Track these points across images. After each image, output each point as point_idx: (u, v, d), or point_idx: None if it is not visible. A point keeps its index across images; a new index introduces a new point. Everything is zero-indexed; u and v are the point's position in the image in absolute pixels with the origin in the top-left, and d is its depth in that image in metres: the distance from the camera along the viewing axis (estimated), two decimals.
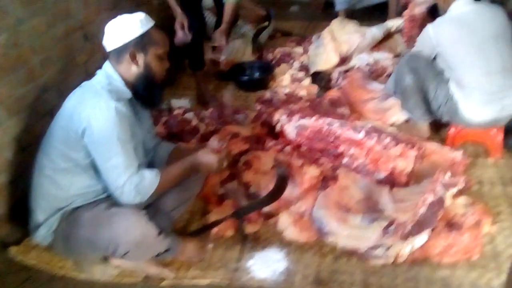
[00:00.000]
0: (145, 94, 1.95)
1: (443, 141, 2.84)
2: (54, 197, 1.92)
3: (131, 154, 1.86)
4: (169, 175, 1.96)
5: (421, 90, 2.73)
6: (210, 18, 3.83)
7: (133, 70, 1.90)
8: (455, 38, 2.56)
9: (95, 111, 1.78)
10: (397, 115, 2.98)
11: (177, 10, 3.16)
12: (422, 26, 3.36)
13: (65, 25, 2.54)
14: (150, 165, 2.16)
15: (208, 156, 2.03)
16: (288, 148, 2.71)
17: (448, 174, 2.26)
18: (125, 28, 1.85)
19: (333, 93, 3.29)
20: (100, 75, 1.91)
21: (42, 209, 1.94)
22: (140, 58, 1.89)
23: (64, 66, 2.53)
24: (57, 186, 1.91)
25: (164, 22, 3.59)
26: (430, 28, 2.63)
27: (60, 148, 1.87)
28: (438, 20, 2.64)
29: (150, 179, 1.88)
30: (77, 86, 1.94)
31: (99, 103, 1.79)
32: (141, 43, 1.88)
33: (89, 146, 1.82)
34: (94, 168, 1.89)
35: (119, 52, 1.88)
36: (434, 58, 2.72)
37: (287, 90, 3.44)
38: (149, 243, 1.89)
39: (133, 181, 1.83)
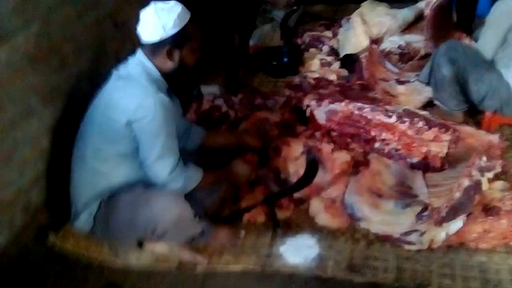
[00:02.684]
0: (177, 85, 1.99)
1: (478, 125, 2.76)
2: (96, 186, 1.97)
3: (175, 145, 1.93)
4: (207, 178, 2.05)
5: (459, 81, 2.62)
6: None
7: (168, 64, 1.91)
8: None
9: (143, 104, 1.82)
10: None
11: None
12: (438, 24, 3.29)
13: (95, 13, 2.56)
14: (182, 150, 2.20)
15: (243, 167, 2.22)
16: (318, 134, 2.68)
17: (484, 158, 2.20)
18: (162, 23, 1.82)
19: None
20: (134, 64, 1.92)
21: (83, 197, 1.99)
22: (176, 54, 1.90)
23: (95, 55, 2.55)
24: (100, 175, 1.96)
25: (195, 9, 3.60)
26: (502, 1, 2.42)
27: (101, 138, 1.91)
28: None
29: (195, 172, 1.98)
30: (109, 74, 1.96)
31: (146, 96, 1.83)
32: (178, 39, 1.87)
33: (137, 137, 1.87)
34: (136, 157, 1.93)
35: (156, 46, 1.87)
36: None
37: (316, 75, 3.39)
38: (186, 224, 1.93)
39: (180, 169, 1.92)
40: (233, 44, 3.32)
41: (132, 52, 1.97)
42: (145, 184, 1.95)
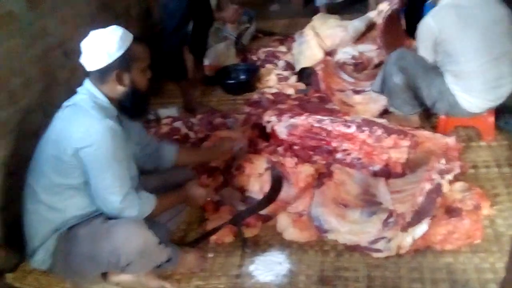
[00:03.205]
0: (132, 108, 1.93)
1: (434, 128, 2.83)
2: (50, 221, 1.89)
3: (126, 172, 1.85)
4: (162, 203, 1.98)
5: (411, 88, 2.69)
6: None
7: (119, 89, 1.86)
8: (458, 23, 2.46)
9: (89, 131, 1.75)
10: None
11: None
12: (389, 32, 3.38)
13: (44, 44, 2.50)
14: (155, 170, 2.22)
15: (197, 190, 2.13)
16: (280, 149, 2.68)
17: (443, 161, 2.25)
18: (105, 48, 1.78)
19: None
20: (82, 93, 1.87)
21: (38, 234, 1.90)
22: (125, 77, 1.85)
23: (46, 86, 2.48)
24: (53, 210, 1.87)
25: (144, 32, 3.57)
26: (429, 18, 2.53)
27: (52, 172, 1.83)
28: (436, 9, 2.56)
29: (148, 199, 1.91)
30: (62, 105, 1.91)
31: (92, 123, 1.77)
32: (124, 62, 1.82)
33: (85, 167, 1.80)
34: (87, 186, 1.86)
35: (103, 73, 1.82)
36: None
37: (274, 90, 3.42)
38: (151, 252, 1.86)
39: (132, 198, 1.84)
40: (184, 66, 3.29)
41: (83, 81, 1.93)
42: (104, 214, 1.89)
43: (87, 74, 1.88)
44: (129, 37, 1.85)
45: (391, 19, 3.44)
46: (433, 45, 2.56)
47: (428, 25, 2.53)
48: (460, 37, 2.47)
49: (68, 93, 1.94)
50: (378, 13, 3.40)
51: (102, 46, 1.79)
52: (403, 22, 3.66)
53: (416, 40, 2.67)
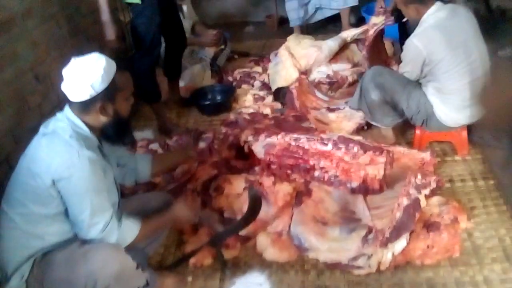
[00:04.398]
0: (115, 136, 1.90)
1: (410, 144, 2.87)
2: (28, 247, 1.82)
3: (106, 203, 1.81)
4: (148, 227, 1.95)
5: (388, 103, 2.73)
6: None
7: (102, 119, 1.82)
8: (446, 47, 2.47)
9: (67, 162, 1.71)
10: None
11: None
12: (373, 47, 3.42)
13: (14, 68, 2.44)
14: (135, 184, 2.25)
15: (184, 211, 2.11)
16: (258, 168, 2.67)
17: (419, 176, 2.26)
18: (90, 81, 1.72)
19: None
20: (62, 121, 1.82)
21: (14, 259, 1.83)
22: (109, 108, 1.81)
23: (17, 111, 2.42)
24: (32, 237, 1.81)
25: (117, 55, 3.54)
26: (415, 40, 2.51)
27: (29, 201, 1.77)
28: (419, 31, 2.54)
29: (130, 228, 1.87)
30: (33, 130, 1.85)
31: (70, 154, 1.72)
32: (109, 94, 1.77)
33: (63, 198, 1.76)
34: (66, 214, 1.81)
35: (86, 104, 1.77)
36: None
37: (251, 110, 3.42)
38: (128, 276, 1.81)
39: (113, 226, 1.80)
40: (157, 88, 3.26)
41: (58, 105, 1.87)
42: (81, 239, 1.83)
43: (61, 100, 1.82)
44: (113, 67, 1.80)
45: (377, 35, 3.47)
46: (422, 66, 2.56)
47: (416, 48, 2.51)
48: (448, 61, 2.48)
49: (40, 118, 1.89)
50: (372, 26, 3.41)
51: (86, 78, 1.73)
52: (388, 40, 3.71)
53: (402, 60, 2.67)
